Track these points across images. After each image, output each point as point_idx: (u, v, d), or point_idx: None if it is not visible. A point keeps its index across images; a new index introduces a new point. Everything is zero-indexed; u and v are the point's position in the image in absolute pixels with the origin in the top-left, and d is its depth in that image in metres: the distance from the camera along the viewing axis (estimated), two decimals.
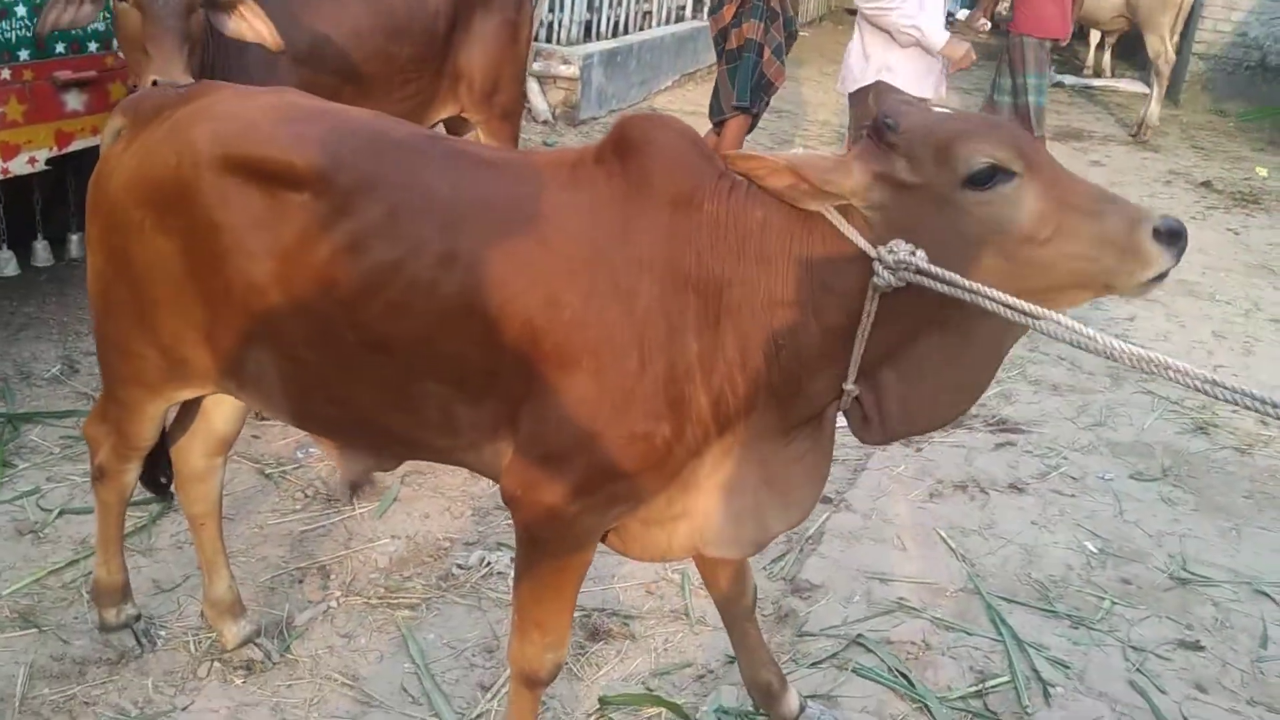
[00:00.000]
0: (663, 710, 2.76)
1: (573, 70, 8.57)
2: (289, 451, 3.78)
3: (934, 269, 1.73)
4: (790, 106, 10.27)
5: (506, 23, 4.68)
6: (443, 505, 3.55)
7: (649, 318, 1.91)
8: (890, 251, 1.75)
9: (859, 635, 3.06)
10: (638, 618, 3.11)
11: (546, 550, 2.11)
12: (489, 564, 3.26)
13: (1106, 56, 13.32)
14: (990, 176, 1.73)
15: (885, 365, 1.92)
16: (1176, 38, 9.74)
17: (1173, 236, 1.71)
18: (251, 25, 3.41)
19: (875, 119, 1.83)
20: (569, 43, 9.01)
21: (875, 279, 1.78)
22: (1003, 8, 16.56)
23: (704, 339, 1.92)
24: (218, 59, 3.64)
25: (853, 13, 17.06)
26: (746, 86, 6.16)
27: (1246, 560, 3.59)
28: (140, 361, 2.35)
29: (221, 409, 2.59)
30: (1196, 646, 3.13)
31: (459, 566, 3.25)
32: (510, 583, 3.15)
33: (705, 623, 3.10)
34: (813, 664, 2.94)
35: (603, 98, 9.07)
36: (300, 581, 3.14)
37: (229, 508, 3.14)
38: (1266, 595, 3.40)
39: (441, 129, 5.04)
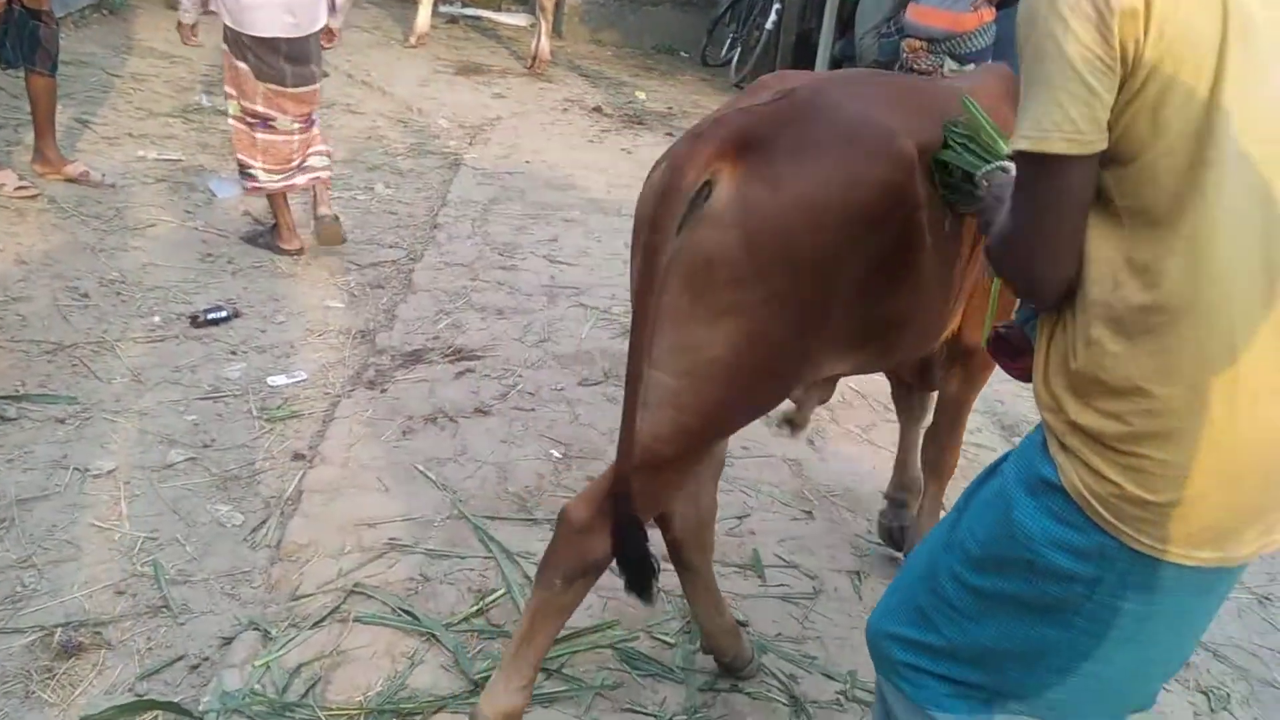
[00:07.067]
0: (158, 714, 2.54)
1: None
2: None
3: None
4: None
5: None
6: None
7: None
8: None
9: (356, 584, 3.02)
10: (111, 622, 2.81)
11: (977, 387, 2.94)
12: None
13: None
14: None
15: None
16: None
17: None
18: None
19: None
20: None
21: None
22: None
23: None
24: None
25: None
26: None
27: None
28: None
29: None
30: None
31: None
32: None
33: (190, 609, 2.89)
34: (315, 624, 2.86)
35: None
36: None
37: None
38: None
39: None
